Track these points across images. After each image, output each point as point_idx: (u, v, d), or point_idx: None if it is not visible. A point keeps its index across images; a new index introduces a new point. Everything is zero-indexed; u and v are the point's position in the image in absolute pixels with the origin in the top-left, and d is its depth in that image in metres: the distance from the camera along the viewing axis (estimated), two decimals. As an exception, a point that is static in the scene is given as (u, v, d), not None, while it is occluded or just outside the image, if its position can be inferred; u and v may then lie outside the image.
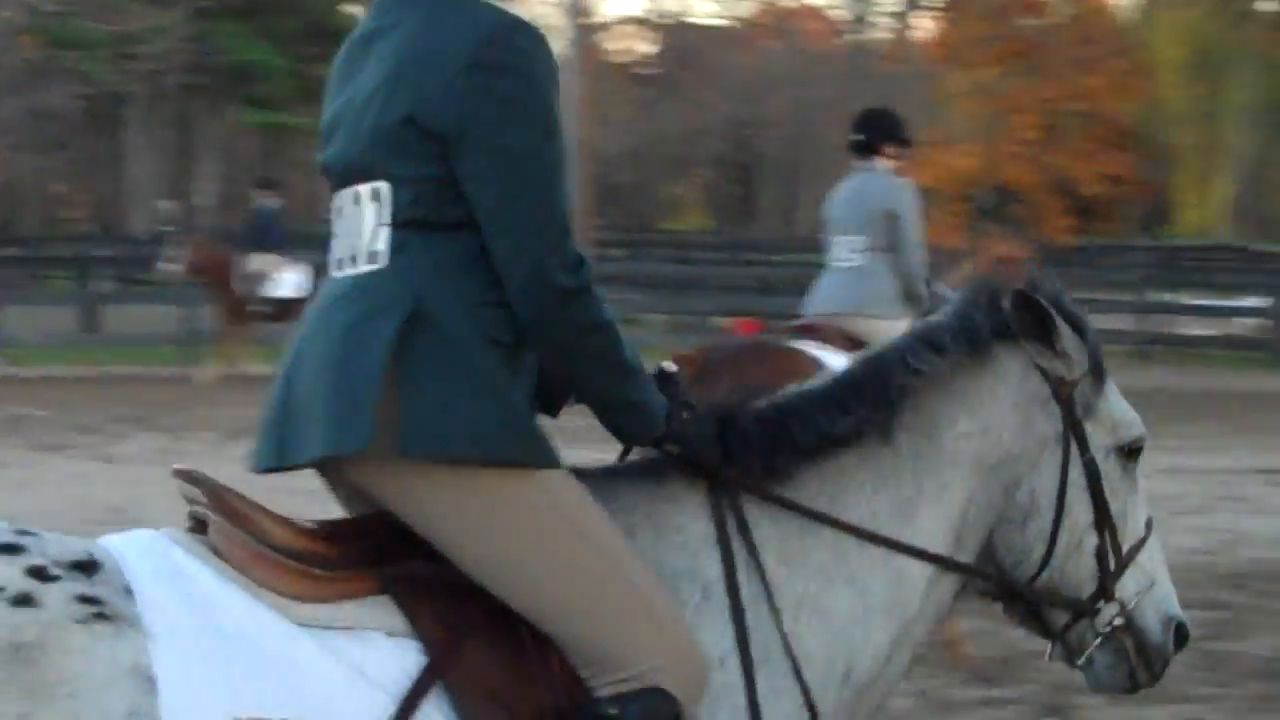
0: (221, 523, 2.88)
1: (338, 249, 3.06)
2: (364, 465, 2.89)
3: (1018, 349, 3.34)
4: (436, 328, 2.88)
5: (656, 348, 27.53)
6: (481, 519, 2.88)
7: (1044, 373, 3.33)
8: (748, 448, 3.13)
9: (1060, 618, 3.39)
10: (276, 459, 2.96)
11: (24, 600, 2.62)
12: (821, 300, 8.60)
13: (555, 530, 2.90)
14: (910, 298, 8.44)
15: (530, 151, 2.89)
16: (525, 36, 2.91)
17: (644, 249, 39.62)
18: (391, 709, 2.77)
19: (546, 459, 2.93)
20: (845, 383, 3.26)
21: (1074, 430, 3.33)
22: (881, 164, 8.64)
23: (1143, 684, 3.46)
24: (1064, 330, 3.32)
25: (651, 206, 52.08)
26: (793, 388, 3.27)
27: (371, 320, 2.88)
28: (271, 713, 2.70)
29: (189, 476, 2.97)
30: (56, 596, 2.65)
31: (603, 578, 2.91)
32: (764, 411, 3.19)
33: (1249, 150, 42.73)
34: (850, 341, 7.79)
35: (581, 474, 3.07)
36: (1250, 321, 27.13)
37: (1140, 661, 3.43)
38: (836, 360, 7.34)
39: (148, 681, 2.65)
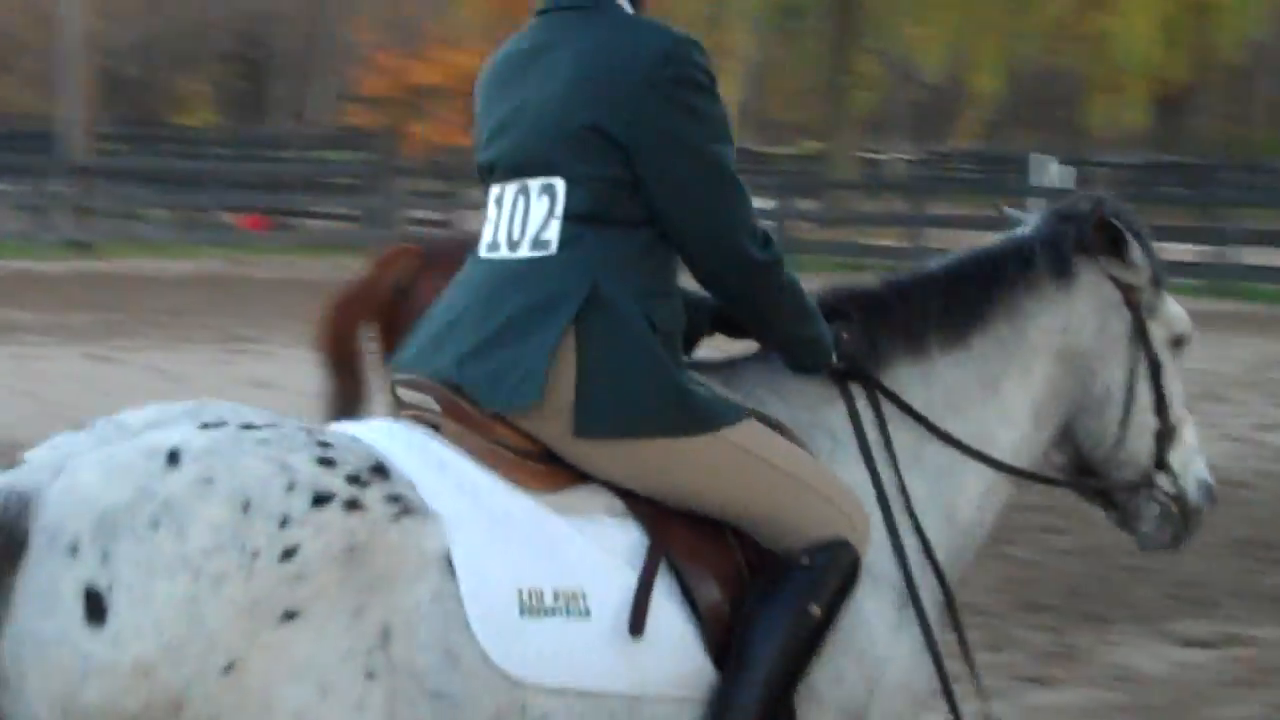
0: (453, 424, 3.22)
1: (491, 233, 3.41)
2: (539, 426, 3.25)
3: (1093, 261, 3.89)
4: (613, 314, 3.23)
5: (161, 242, 27.03)
6: (667, 475, 3.28)
7: (1115, 281, 3.89)
8: (883, 354, 3.70)
9: (1123, 489, 3.98)
10: (467, 395, 3.27)
11: (353, 505, 2.89)
12: None
13: (741, 472, 3.32)
14: None
15: (720, 153, 3.33)
16: (698, 51, 3.32)
17: (150, 144, 38.74)
18: (633, 574, 3.17)
19: (714, 423, 3.31)
20: (952, 285, 3.80)
21: (1141, 330, 3.91)
22: None
23: (1183, 540, 4.06)
24: (1133, 245, 3.87)
25: (159, 101, 50.71)
26: (914, 278, 3.83)
27: (550, 302, 3.23)
28: (546, 583, 3.07)
29: (418, 385, 3.30)
30: (374, 498, 2.93)
31: (790, 491, 3.36)
32: (901, 315, 3.73)
33: (755, 54, 44.27)
34: None
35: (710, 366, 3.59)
36: (764, 223, 28.21)
37: (1182, 521, 4.01)
38: None
39: (447, 565, 2.97)
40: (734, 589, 3.28)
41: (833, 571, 3.31)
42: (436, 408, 3.27)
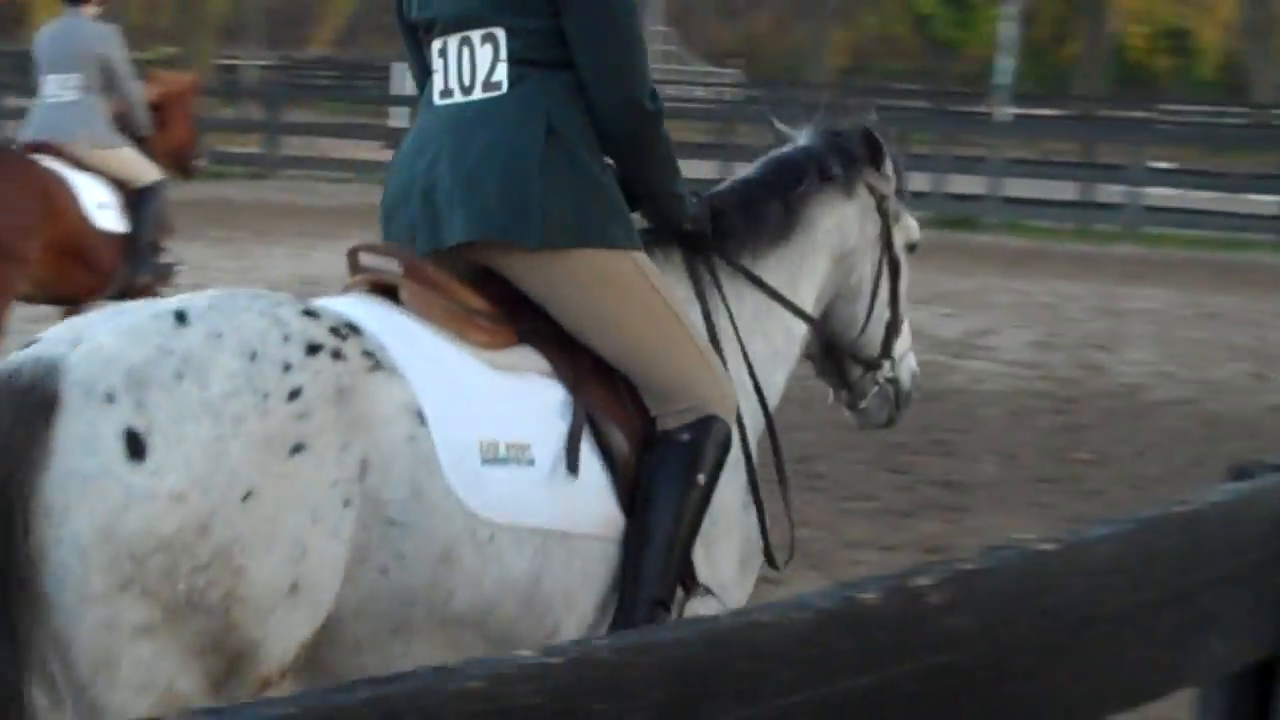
0: (417, 287, 3.66)
1: (443, 82, 3.87)
2: (509, 251, 3.75)
3: (858, 171, 4.52)
4: (565, 142, 3.74)
5: None
6: (595, 287, 3.77)
7: (870, 189, 4.52)
8: (728, 227, 4.24)
9: (855, 370, 4.62)
10: (433, 244, 3.76)
11: (337, 354, 3.26)
12: (40, 129, 9.62)
13: (642, 295, 3.83)
14: (138, 124, 10.01)
15: (628, 12, 3.79)
16: None
17: None
18: (564, 426, 3.65)
19: (638, 242, 3.87)
20: (767, 192, 4.37)
21: (887, 233, 4.56)
22: (87, 10, 9.80)
23: (895, 422, 4.74)
24: (888, 159, 4.54)
25: None
26: (732, 183, 4.44)
27: (519, 133, 3.72)
28: (500, 436, 3.50)
29: (379, 249, 3.77)
30: (353, 350, 3.30)
31: (672, 332, 3.85)
32: (730, 202, 4.29)
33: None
34: (76, 163, 9.37)
35: None
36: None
37: (896, 404, 4.70)
38: (70, 174, 9.26)
39: (418, 415, 3.35)
40: (635, 446, 3.77)
41: (710, 445, 3.79)
42: (399, 269, 3.71)
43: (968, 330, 14.98)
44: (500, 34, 3.81)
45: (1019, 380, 12.80)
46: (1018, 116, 30.26)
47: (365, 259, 3.81)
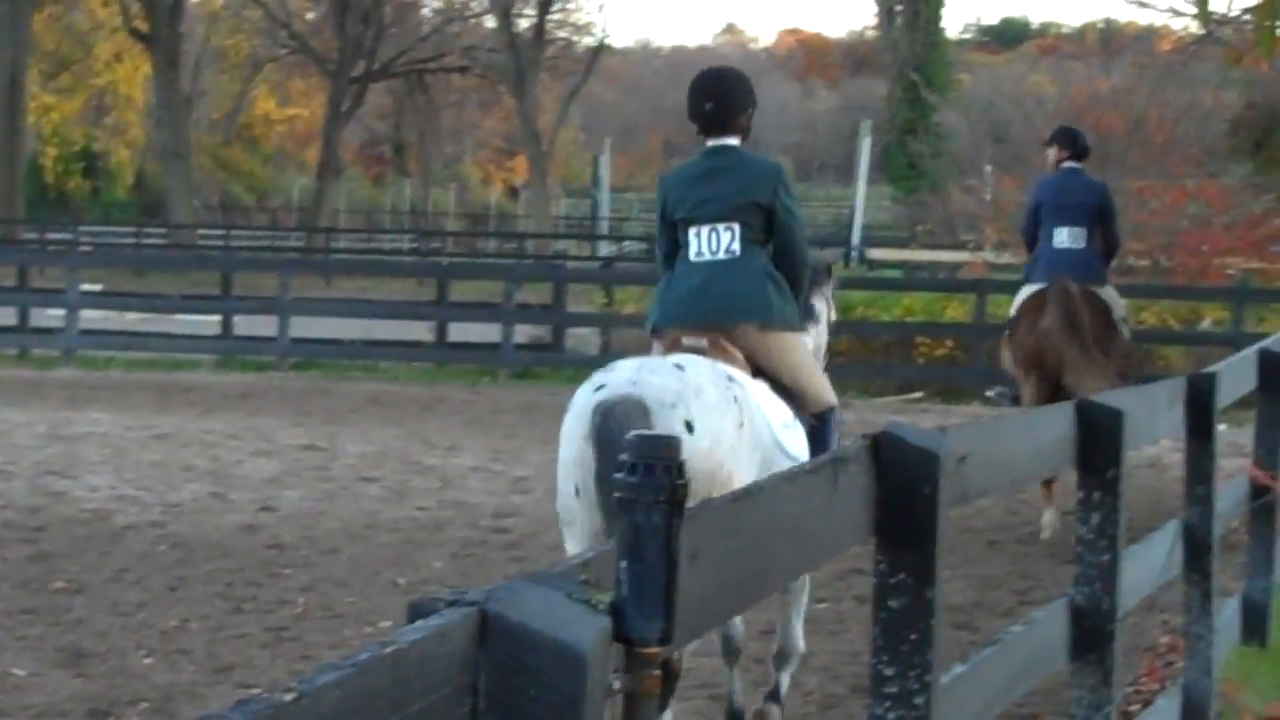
0: (715, 351, 6.88)
1: (696, 249, 7.19)
2: (749, 331, 7.08)
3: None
4: (775, 280, 7.18)
5: None
6: (791, 350, 7.19)
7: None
8: None
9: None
10: (717, 322, 7.05)
11: (731, 380, 6.60)
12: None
13: (807, 353, 7.38)
14: None
15: (800, 223, 7.42)
16: (785, 173, 7.62)
17: None
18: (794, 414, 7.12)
19: (801, 328, 7.40)
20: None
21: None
22: None
23: None
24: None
25: None
26: None
27: (754, 276, 7.13)
28: (784, 416, 6.96)
29: (689, 330, 7.05)
30: (732, 379, 6.63)
31: (818, 372, 7.40)
32: None
33: None
34: None
35: None
36: None
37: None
38: None
39: (758, 407, 6.68)
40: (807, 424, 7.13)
41: (834, 424, 7.26)
42: (704, 344, 6.89)
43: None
44: (737, 227, 7.14)
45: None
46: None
47: (685, 339, 6.94)
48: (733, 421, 6.28)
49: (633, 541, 2.66)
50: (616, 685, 2.64)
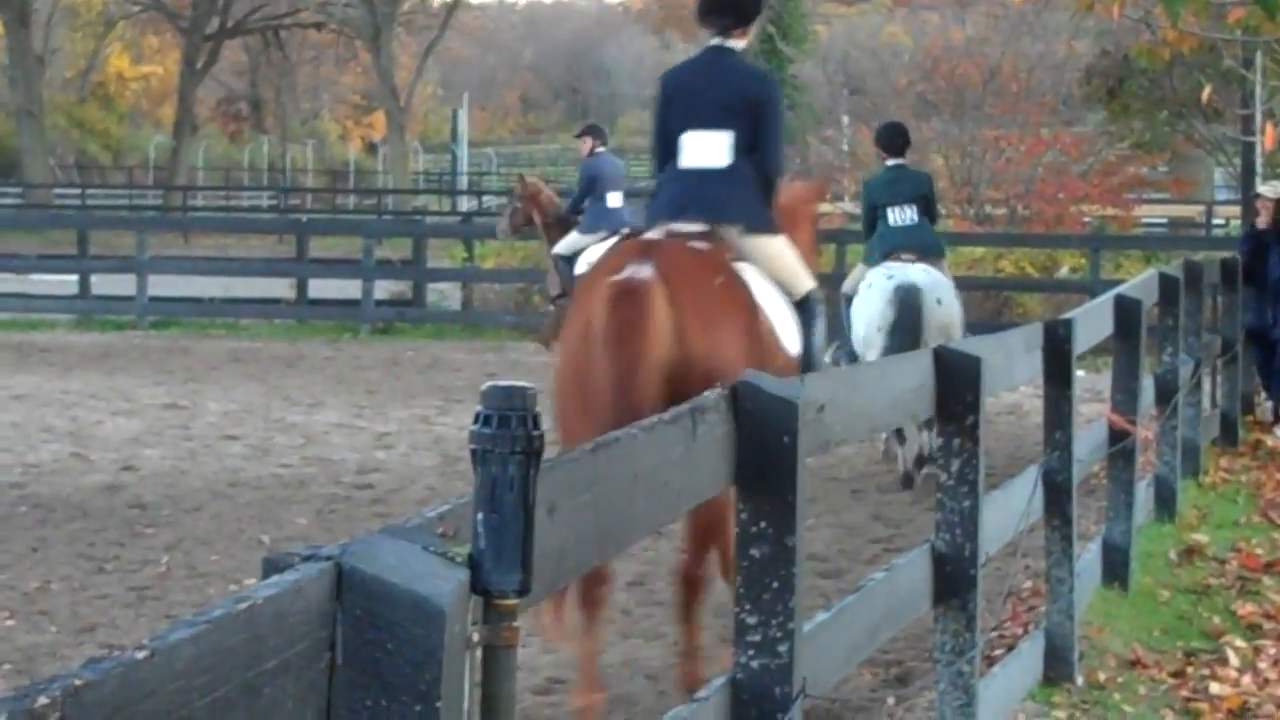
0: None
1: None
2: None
3: None
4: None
5: None
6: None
7: None
8: None
9: None
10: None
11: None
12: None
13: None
14: None
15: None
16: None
17: None
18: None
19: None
20: None
21: None
22: None
23: None
24: None
25: None
26: None
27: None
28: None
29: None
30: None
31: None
32: None
33: None
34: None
35: None
36: None
37: None
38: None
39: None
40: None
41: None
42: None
43: None
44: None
45: None
46: None
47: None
48: (952, 294, 12.23)
49: (489, 493, 2.64)
50: (475, 638, 2.62)
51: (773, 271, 7.24)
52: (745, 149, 7.29)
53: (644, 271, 6.42)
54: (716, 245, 7.00)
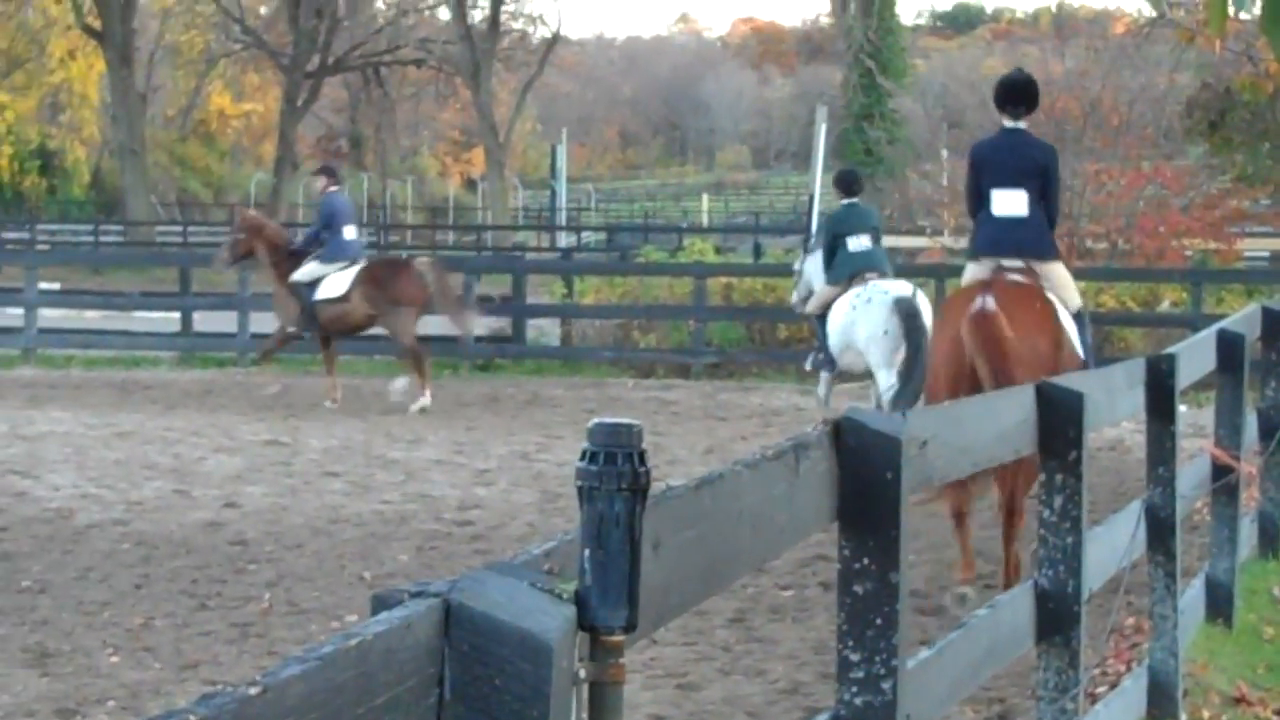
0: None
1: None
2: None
3: None
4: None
5: None
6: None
7: None
8: None
9: None
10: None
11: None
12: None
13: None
14: None
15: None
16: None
17: None
18: None
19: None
20: None
21: None
22: None
23: None
24: None
25: None
26: None
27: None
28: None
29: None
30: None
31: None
32: None
33: None
34: None
35: None
36: None
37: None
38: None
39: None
40: None
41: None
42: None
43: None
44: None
45: (-59, 512, 12.42)
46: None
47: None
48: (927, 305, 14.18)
49: (595, 530, 2.66)
50: (582, 674, 2.63)
51: (1057, 289, 10.01)
52: (1037, 201, 10.04)
53: (990, 305, 9.39)
54: (1030, 277, 9.92)
